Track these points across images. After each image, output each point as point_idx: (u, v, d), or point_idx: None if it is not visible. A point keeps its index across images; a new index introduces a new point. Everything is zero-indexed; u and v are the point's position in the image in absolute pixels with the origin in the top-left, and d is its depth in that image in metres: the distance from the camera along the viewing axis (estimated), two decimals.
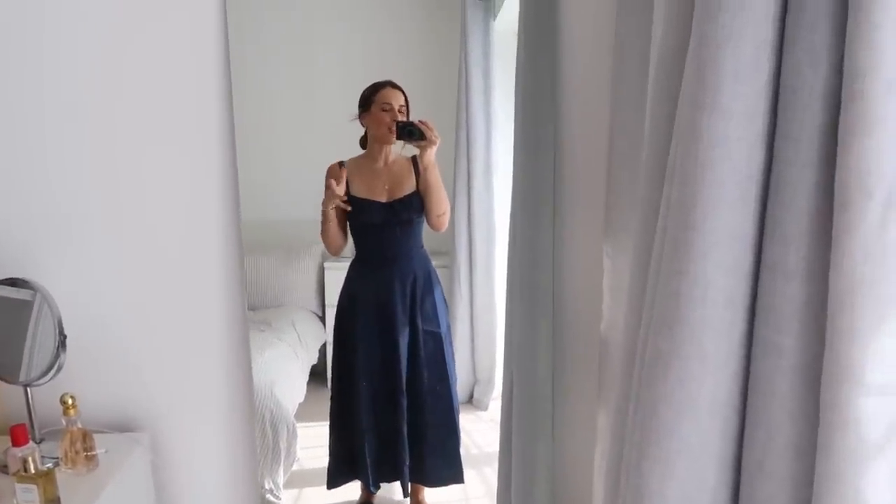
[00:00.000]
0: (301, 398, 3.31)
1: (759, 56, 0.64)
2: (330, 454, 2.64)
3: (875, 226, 0.60)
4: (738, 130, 0.66)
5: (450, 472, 2.60)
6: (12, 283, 1.25)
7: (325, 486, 2.65)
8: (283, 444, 2.78)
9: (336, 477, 2.63)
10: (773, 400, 0.71)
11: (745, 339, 0.72)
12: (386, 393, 2.48)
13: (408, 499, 2.74)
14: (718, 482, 0.77)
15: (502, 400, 1.84)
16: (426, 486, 2.67)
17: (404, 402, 2.48)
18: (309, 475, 2.79)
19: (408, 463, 2.52)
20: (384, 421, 2.51)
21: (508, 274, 1.80)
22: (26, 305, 1.24)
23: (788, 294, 0.67)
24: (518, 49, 1.55)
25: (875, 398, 0.63)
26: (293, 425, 2.85)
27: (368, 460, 2.53)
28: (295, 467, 2.94)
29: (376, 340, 2.46)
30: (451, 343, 2.58)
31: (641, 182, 0.83)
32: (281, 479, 2.78)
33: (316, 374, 3.76)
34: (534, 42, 1.45)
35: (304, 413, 3.11)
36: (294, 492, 2.91)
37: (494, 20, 3.51)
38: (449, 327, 2.58)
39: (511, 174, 1.73)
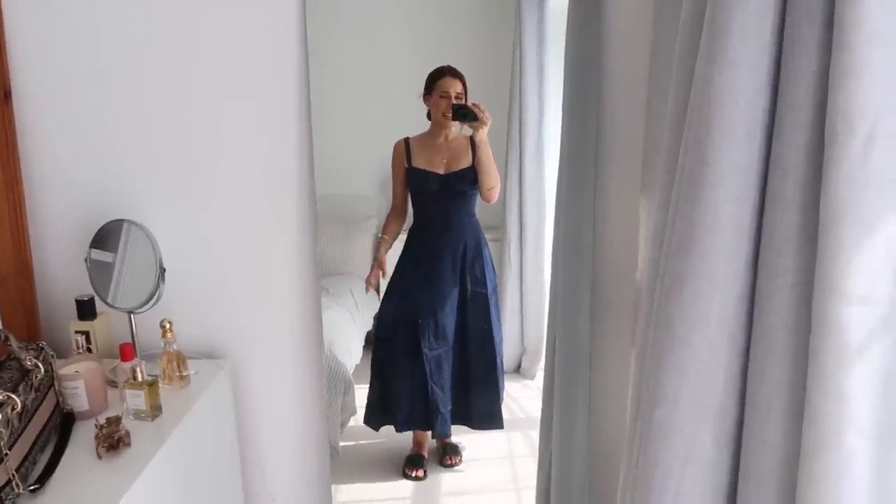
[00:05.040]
0: (357, 360, 3.50)
1: (763, 15, 0.75)
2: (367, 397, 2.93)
3: (857, 158, 0.70)
4: (745, 79, 0.77)
5: (490, 418, 2.87)
6: (122, 222, 1.45)
7: (380, 440, 2.94)
8: (339, 400, 2.98)
9: (370, 417, 2.91)
10: (774, 315, 0.82)
11: (751, 261, 0.83)
12: (433, 345, 2.72)
13: (457, 460, 2.96)
14: (727, 389, 0.88)
15: (545, 360, 1.97)
16: (469, 426, 2.91)
17: (450, 356, 2.74)
18: (363, 430, 2.97)
19: (448, 408, 2.78)
20: (423, 371, 2.73)
21: (554, 239, 1.91)
22: (135, 242, 1.45)
23: (786, 221, 0.78)
24: (567, 22, 1.66)
25: (856, 307, 0.73)
26: (350, 382, 3.04)
27: (404, 405, 2.81)
28: (351, 423, 3.14)
29: (426, 297, 2.71)
30: (496, 301, 2.83)
31: (666, 131, 0.95)
32: (338, 433, 2.98)
33: (370, 341, 3.94)
34: (581, 14, 1.56)
35: (359, 375, 3.29)
36: (350, 444, 3.11)
37: None
38: (496, 288, 2.84)
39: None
